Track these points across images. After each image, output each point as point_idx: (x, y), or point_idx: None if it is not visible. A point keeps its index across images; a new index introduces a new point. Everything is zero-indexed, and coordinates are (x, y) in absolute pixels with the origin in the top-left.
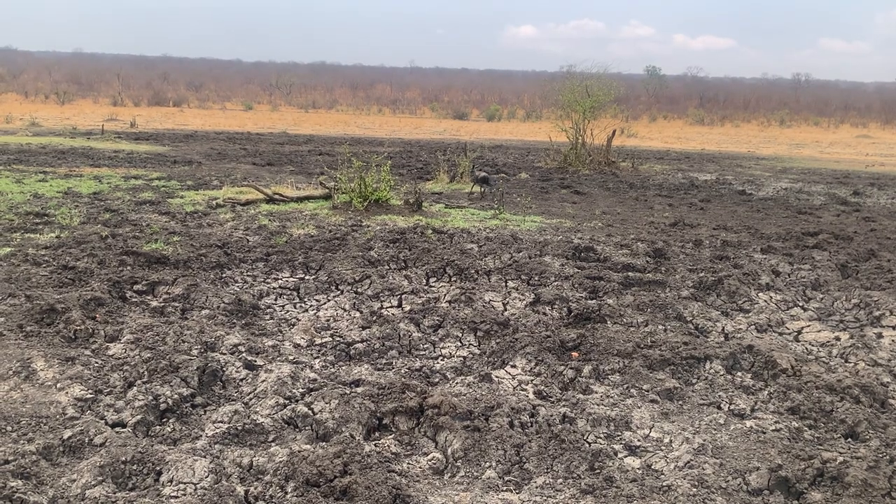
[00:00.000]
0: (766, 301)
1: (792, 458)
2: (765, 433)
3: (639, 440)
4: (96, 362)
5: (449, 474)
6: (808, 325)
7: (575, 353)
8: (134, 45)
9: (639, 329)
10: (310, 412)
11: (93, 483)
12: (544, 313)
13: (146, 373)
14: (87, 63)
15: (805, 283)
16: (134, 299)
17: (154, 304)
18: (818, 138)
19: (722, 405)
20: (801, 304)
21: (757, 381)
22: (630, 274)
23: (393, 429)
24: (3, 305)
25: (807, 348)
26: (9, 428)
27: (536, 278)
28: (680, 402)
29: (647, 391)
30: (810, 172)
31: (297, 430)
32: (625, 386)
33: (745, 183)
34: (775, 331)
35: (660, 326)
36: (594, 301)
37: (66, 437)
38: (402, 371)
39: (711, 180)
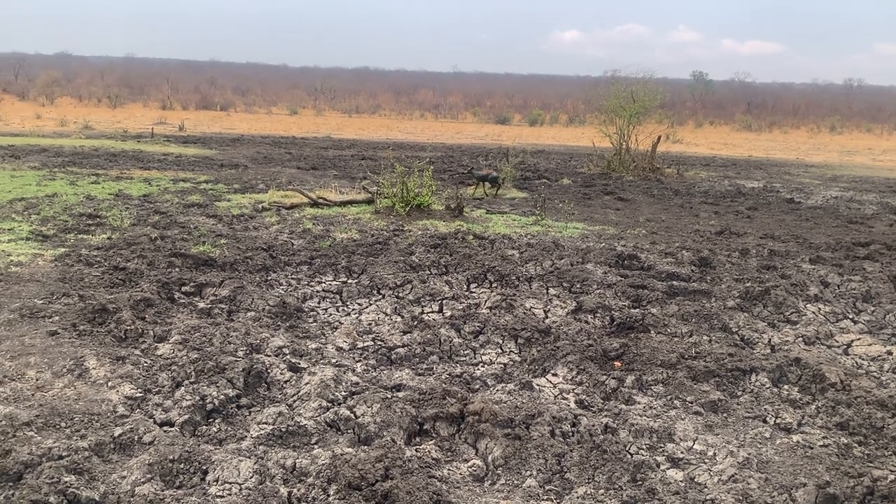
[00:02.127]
0: (814, 313)
1: (840, 475)
2: (812, 448)
3: (682, 452)
4: (145, 362)
5: (489, 482)
6: (859, 339)
7: (617, 363)
8: (183, 50)
9: (683, 339)
10: (352, 415)
11: (142, 480)
12: (586, 321)
13: (193, 373)
14: (138, 67)
15: (855, 294)
16: (182, 300)
17: (201, 305)
18: (871, 145)
19: (768, 419)
20: (850, 316)
21: (804, 395)
22: (674, 283)
23: (434, 434)
24: (58, 304)
25: (857, 362)
26: (63, 424)
27: (578, 286)
28: (724, 415)
29: (691, 403)
30: (862, 181)
31: (339, 432)
32: (668, 397)
33: (794, 191)
34: (824, 343)
35: (704, 337)
36: (637, 310)
37: (116, 434)
38: (443, 377)
39: (759, 188)
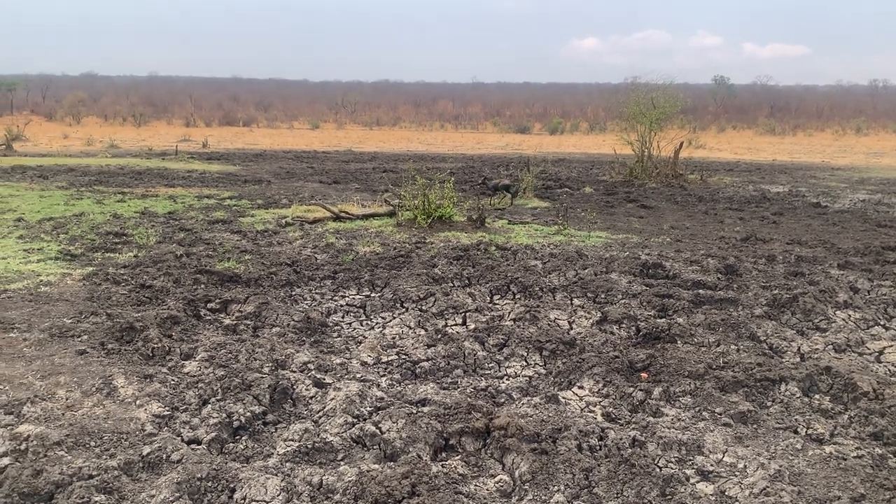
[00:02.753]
0: (844, 320)
1: (876, 487)
2: (846, 460)
3: (712, 465)
4: (172, 380)
5: (516, 497)
6: (891, 346)
7: (644, 374)
8: (205, 68)
9: (710, 349)
10: (378, 431)
11: (171, 499)
12: (612, 332)
13: (220, 390)
14: (161, 86)
15: (886, 300)
16: (208, 317)
17: (227, 321)
18: None
19: (799, 429)
20: (882, 322)
21: (836, 405)
22: (701, 291)
23: (460, 449)
24: (86, 323)
25: (889, 370)
26: (92, 443)
27: (603, 296)
28: (754, 426)
29: (720, 414)
30: (890, 183)
31: (365, 449)
32: (696, 408)
33: (820, 195)
34: (855, 351)
35: (732, 346)
36: (663, 320)
37: (145, 453)
38: (468, 391)
39: (784, 192)
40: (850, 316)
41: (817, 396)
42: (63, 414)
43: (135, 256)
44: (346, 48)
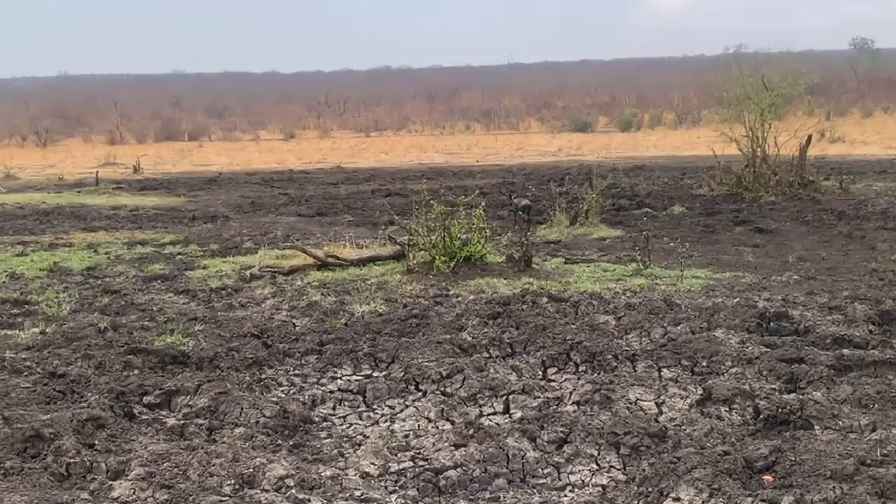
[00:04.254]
0: None
1: None
2: None
3: None
4: None
5: None
6: None
7: (768, 478)
8: (135, 62)
9: (862, 436)
10: None
11: None
12: (719, 417)
13: None
14: (74, 89)
15: None
16: (144, 416)
17: (171, 421)
18: None
19: None
20: None
21: None
22: (845, 351)
23: None
24: None
25: None
26: None
27: (704, 364)
28: None
29: None
30: None
31: None
32: None
33: None
34: None
35: (894, 431)
36: (793, 396)
37: None
38: None
39: None
40: None
41: None
42: None
43: (41, 333)
44: (329, 27)
